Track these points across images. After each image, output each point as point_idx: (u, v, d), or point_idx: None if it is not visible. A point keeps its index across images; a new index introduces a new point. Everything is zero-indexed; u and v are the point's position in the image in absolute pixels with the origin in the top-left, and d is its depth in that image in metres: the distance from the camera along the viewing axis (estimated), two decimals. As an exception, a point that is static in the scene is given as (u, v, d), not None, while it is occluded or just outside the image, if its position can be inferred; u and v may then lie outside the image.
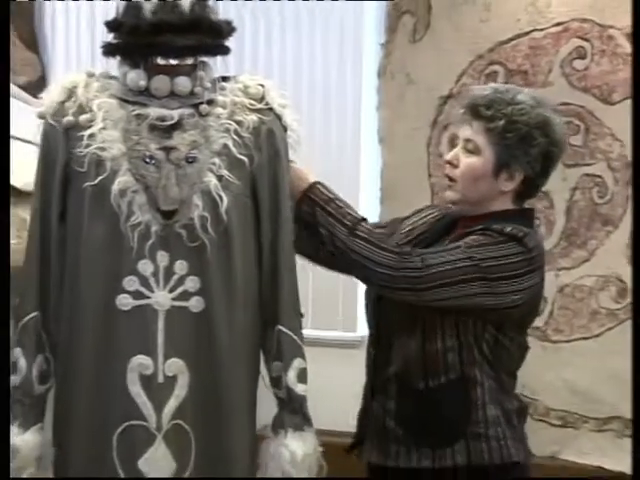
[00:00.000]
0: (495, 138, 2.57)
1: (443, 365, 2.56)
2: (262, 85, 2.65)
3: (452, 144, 2.71)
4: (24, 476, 2.58)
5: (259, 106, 2.62)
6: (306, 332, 2.65)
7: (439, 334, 2.56)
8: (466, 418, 2.56)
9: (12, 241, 3.00)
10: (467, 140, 2.61)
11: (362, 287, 2.83)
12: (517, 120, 2.55)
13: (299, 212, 2.64)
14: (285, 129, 2.64)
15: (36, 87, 5.74)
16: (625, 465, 5.02)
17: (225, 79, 2.65)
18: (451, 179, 2.64)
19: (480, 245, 2.52)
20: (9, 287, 2.54)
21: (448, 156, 2.65)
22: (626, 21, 5.04)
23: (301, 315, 2.65)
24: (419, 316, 2.58)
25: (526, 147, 2.58)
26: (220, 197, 2.54)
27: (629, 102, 5.05)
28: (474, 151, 2.59)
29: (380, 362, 2.68)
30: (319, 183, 2.67)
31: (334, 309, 4.80)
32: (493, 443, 2.57)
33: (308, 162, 2.74)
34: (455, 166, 2.62)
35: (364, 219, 2.62)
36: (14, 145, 3.31)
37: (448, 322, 2.56)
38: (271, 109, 2.63)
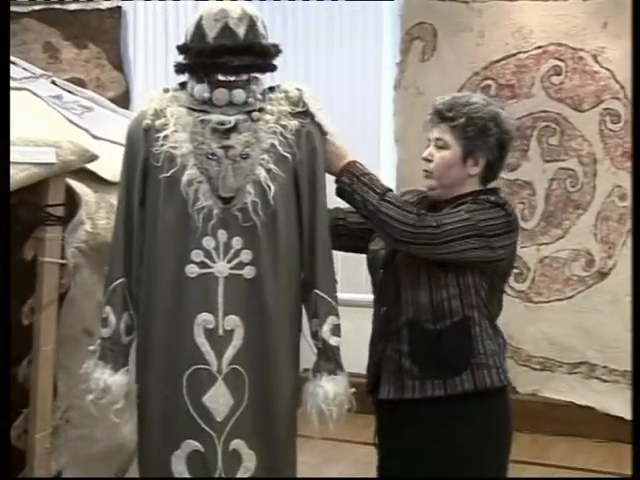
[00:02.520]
0: (459, 133, 2.58)
1: (448, 310, 2.55)
2: (299, 89, 2.62)
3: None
4: (114, 409, 2.57)
5: (298, 109, 2.59)
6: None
7: (443, 285, 2.56)
8: (470, 351, 2.55)
9: (102, 222, 3.00)
10: (437, 139, 2.62)
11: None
12: (474, 116, 2.57)
13: (338, 183, 2.62)
14: (321, 129, 2.60)
15: (122, 99, 5.77)
16: (590, 400, 5.02)
17: (271, 89, 2.63)
18: (428, 172, 2.63)
19: (475, 210, 2.53)
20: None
21: (424, 154, 2.65)
22: (593, 45, 5.02)
23: (335, 281, 2.63)
24: (426, 273, 2.57)
25: (484, 137, 2.58)
26: (268, 186, 2.51)
27: (596, 110, 5.02)
28: (444, 146, 2.60)
29: (392, 315, 2.64)
30: (356, 161, 2.65)
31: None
32: (493, 370, 2.56)
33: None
34: (430, 161, 2.62)
35: (391, 189, 2.61)
36: (104, 145, 3.30)
37: (450, 275, 2.55)
38: (308, 110, 2.60)
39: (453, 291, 2.56)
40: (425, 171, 2.64)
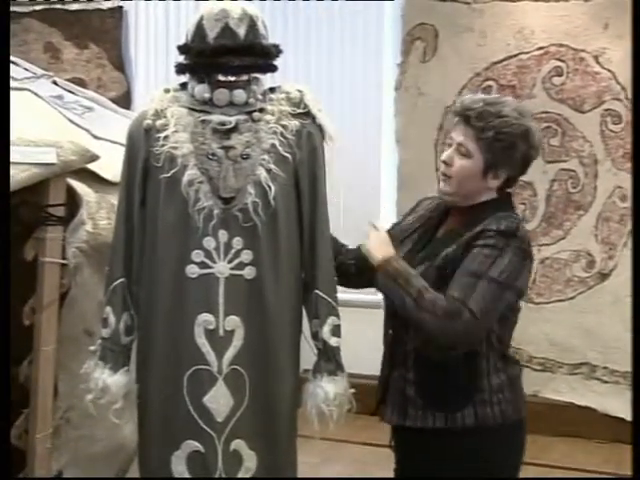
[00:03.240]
0: (485, 146, 2.46)
1: None
2: (300, 90, 2.62)
3: (446, 144, 2.62)
4: (113, 408, 2.57)
5: (299, 111, 2.58)
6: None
7: None
8: (474, 387, 2.47)
9: (103, 222, 3.00)
10: (460, 144, 2.50)
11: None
12: (504, 131, 2.44)
13: (377, 273, 2.52)
14: (321, 130, 2.60)
15: (123, 100, 5.78)
16: (591, 401, 5.02)
17: (272, 90, 2.62)
18: (446, 176, 2.53)
19: (492, 263, 2.39)
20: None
21: (443, 156, 2.55)
22: (595, 46, 5.01)
23: (335, 281, 2.62)
24: None
25: (511, 153, 2.47)
26: (269, 187, 2.51)
27: (597, 111, 5.02)
28: (466, 154, 2.49)
29: (399, 340, 2.58)
30: (392, 257, 2.50)
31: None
32: (496, 407, 2.47)
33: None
34: (450, 165, 2.52)
35: (426, 286, 2.43)
36: (104, 145, 3.31)
37: None
38: (309, 112, 2.59)
39: None
40: (443, 174, 2.54)
